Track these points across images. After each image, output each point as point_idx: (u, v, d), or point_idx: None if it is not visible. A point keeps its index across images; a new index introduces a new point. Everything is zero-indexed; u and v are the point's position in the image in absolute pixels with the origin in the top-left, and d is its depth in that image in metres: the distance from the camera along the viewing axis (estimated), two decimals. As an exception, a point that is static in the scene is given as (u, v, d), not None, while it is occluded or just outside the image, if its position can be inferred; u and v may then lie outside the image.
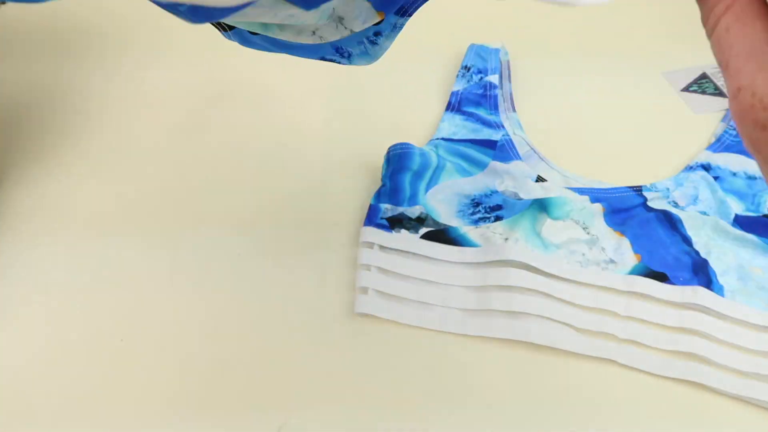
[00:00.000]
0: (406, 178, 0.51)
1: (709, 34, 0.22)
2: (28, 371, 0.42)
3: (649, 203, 0.51)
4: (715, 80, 0.65)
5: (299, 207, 0.52)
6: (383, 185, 0.52)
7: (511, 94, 0.62)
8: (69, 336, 0.43)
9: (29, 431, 0.39)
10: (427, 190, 0.51)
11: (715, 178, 0.52)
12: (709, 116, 0.61)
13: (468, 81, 0.61)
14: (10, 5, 0.72)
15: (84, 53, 0.67)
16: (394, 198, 0.50)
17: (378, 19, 0.37)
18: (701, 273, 0.46)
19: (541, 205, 0.50)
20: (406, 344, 0.43)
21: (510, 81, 0.64)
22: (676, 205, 0.51)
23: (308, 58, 0.41)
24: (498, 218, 0.49)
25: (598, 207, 0.50)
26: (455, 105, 0.59)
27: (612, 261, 0.47)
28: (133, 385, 0.41)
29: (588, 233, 0.49)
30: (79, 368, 0.42)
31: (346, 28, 0.37)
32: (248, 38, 0.39)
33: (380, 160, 0.54)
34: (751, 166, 0.53)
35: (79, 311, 0.45)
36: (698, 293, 0.44)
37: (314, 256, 0.48)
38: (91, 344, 0.43)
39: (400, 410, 0.40)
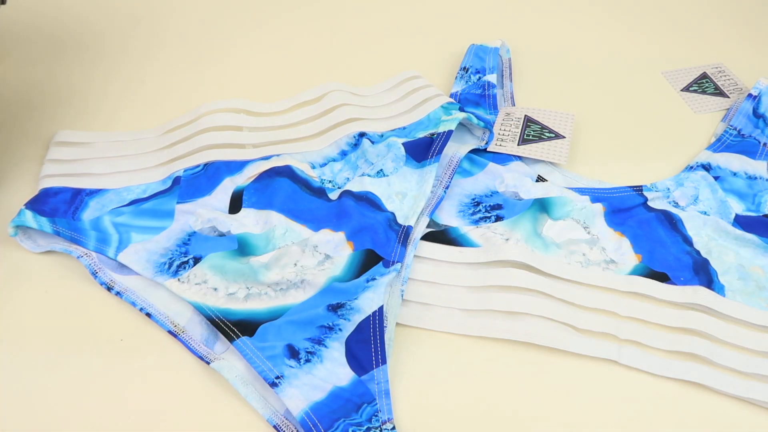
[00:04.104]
0: None
1: None
2: (28, 371, 0.42)
3: (649, 203, 0.51)
4: (715, 80, 0.65)
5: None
6: None
7: (512, 93, 0.62)
8: (69, 336, 0.43)
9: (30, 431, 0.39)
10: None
11: (716, 178, 0.52)
12: (709, 116, 0.61)
13: (466, 82, 0.61)
14: (9, 5, 0.72)
15: (83, 53, 0.67)
16: None
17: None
18: (702, 273, 0.46)
19: (542, 205, 0.50)
20: (407, 344, 0.43)
21: (511, 80, 0.64)
22: (676, 205, 0.51)
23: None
24: (498, 218, 0.49)
25: (598, 207, 0.50)
26: (455, 105, 0.60)
27: (612, 261, 0.47)
28: (132, 384, 0.41)
29: (589, 233, 0.49)
30: (79, 367, 0.42)
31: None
32: None
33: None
34: (751, 166, 0.53)
35: (79, 311, 0.45)
36: (699, 293, 0.44)
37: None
38: (91, 344, 0.43)
39: (398, 409, 0.40)
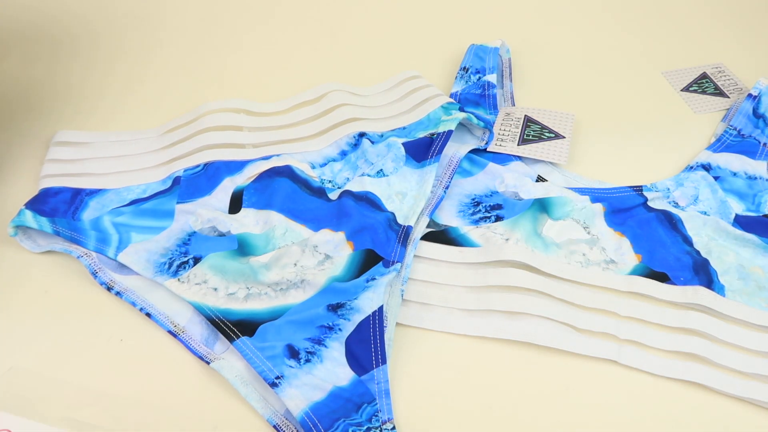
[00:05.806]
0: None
1: None
2: (27, 370, 0.42)
3: (649, 203, 0.51)
4: (715, 80, 0.65)
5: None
6: None
7: (512, 93, 0.62)
8: (69, 336, 0.43)
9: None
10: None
11: (716, 178, 0.52)
12: (709, 116, 0.61)
13: (466, 82, 0.61)
14: (9, 5, 0.72)
15: (83, 53, 0.67)
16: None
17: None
18: (702, 273, 0.46)
19: (542, 205, 0.50)
20: (407, 344, 0.43)
21: (511, 80, 0.64)
22: (676, 205, 0.51)
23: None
24: (498, 218, 0.49)
25: (598, 207, 0.50)
26: (455, 105, 0.60)
27: (612, 261, 0.47)
28: (132, 384, 0.41)
29: (588, 233, 0.49)
30: (79, 367, 0.42)
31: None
32: None
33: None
34: (751, 166, 0.53)
35: (79, 310, 0.45)
36: (699, 293, 0.44)
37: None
38: (91, 344, 0.43)
39: (398, 409, 0.40)
